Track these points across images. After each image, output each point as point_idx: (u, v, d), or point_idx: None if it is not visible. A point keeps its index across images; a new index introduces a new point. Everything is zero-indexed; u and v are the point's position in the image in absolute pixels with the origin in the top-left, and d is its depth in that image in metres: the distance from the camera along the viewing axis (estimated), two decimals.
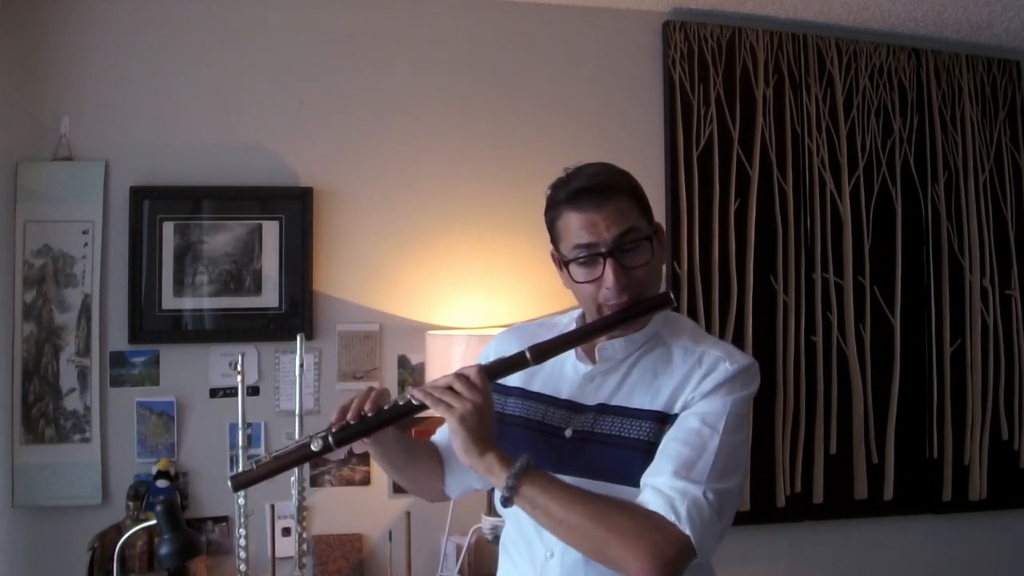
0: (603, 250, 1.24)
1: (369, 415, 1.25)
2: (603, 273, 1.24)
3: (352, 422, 1.25)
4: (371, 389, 1.28)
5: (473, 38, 2.66)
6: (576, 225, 1.26)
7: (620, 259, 1.24)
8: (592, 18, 2.73)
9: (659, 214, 2.66)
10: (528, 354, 1.25)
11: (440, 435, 1.50)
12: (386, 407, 1.26)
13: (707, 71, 2.74)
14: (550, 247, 1.36)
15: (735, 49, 2.77)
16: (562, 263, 1.31)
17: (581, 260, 1.26)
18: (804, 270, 2.78)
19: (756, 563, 2.73)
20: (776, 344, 2.74)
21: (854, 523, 2.80)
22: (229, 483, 1.29)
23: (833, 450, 2.76)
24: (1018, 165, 3.01)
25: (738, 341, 2.69)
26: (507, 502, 1.17)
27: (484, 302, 2.58)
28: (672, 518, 1.12)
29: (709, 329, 2.67)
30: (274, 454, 1.27)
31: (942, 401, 2.86)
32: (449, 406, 1.18)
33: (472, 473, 1.41)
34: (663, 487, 1.15)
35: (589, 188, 1.26)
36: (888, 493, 2.80)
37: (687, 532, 1.12)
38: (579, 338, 1.29)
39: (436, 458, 1.48)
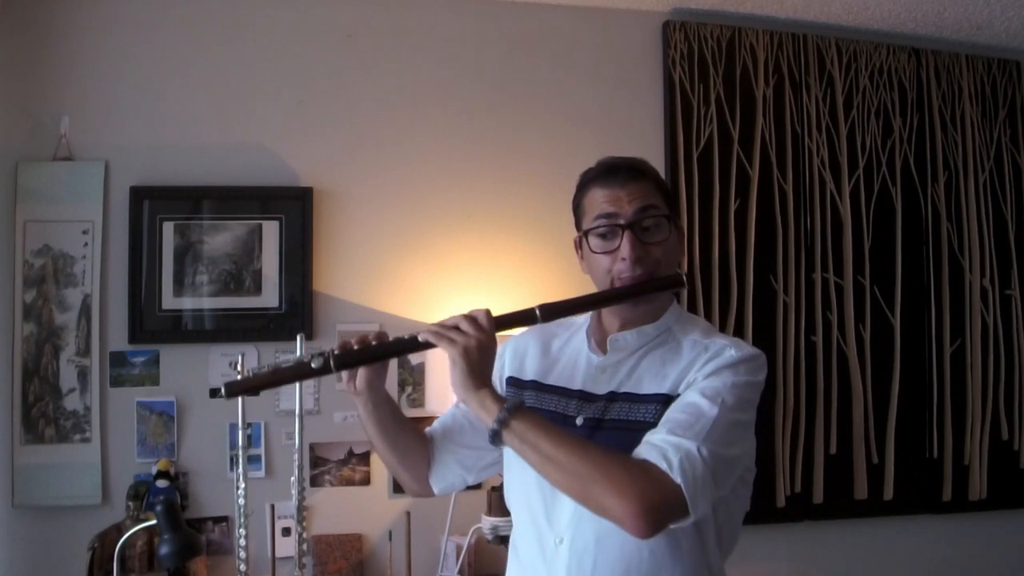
0: (622, 222, 1.27)
1: (373, 344, 1.27)
2: (620, 245, 1.27)
3: (355, 347, 1.27)
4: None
5: (473, 38, 2.66)
6: (600, 199, 1.30)
7: (638, 233, 1.28)
8: (592, 18, 2.73)
9: None
10: (537, 311, 1.27)
11: (436, 424, 1.50)
12: (391, 339, 1.28)
13: (707, 71, 2.74)
14: (575, 235, 1.38)
15: (735, 49, 2.77)
16: (583, 237, 1.34)
17: (600, 230, 1.29)
18: (804, 270, 2.78)
19: (756, 563, 2.73)
20: (776, 344, 2.74)
21: (854, 523, 2.80)
22: (222, 389, 1.26)
23: (833, 450, 2.76)
24: (1018, 165, 3.01)
25: None
26: (496, 436, 1.16)
27: (484, 302, 2.56)
28: (664, 466, 1.11)
29: None
30: (273, 366, 1.27)
31: (942, 401, 2.86)
32: (452, 340, 1.20)
33: (458, 469, 1.45)
34: (656, 441, 1.15)
35: (619, 166, 1.31)
36: (888, 493, 2.80)
37: (678, 481, 1.10)
38: (590, 303, 1.32)
39: (425, 442, 1.47)
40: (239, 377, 1.29)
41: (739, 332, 2.70)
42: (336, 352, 1.25)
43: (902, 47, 2.92)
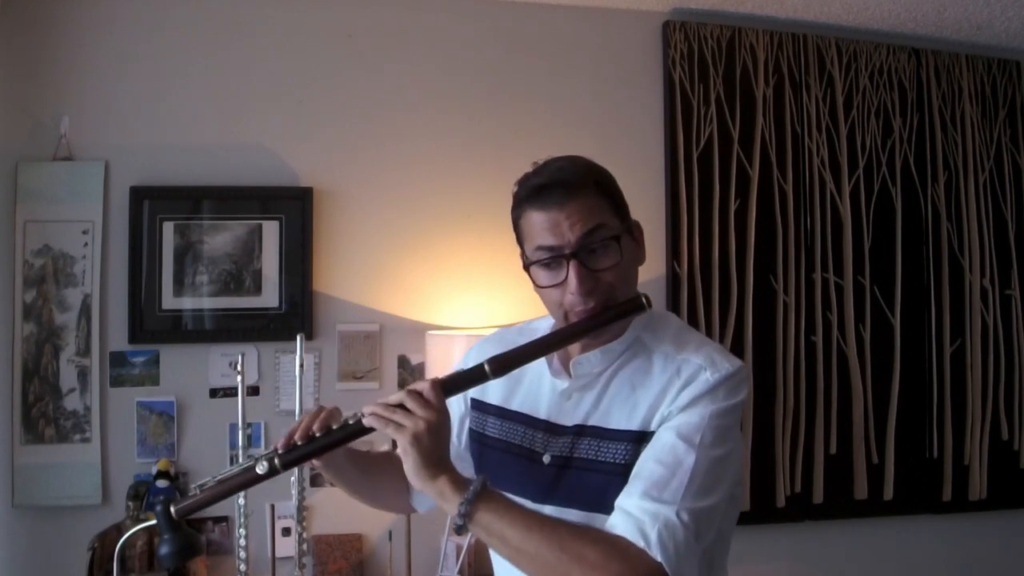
0: (566, 252, 1.14)
1: (317, 435, 1.17)
2: (567, 277, 1.14)
3: (300, 443, 1.17)
4: (321, 409, 1.20)
5: (473, 38, 2.66)
6: (538, 225, 1.16)
7: (585, 261, 1.14)
8: (592, 18, 2.73)
9: (659, 214, 2.69)
10: (487, 367, 1.14)
11: None
12: (335, 427, 1.17)
13: (707, 71, 2.74)
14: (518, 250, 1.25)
15: (735, 49, 2.77)
16: (526, 266, 1.21)
17: (544, 262, 1.16)
18: (804, 270, 2.78)
19: (756, 563, 2.73)
20: (776, 344, 2.74)
21: (854, 523, 2.80)
22: (172, 511, 1.21)
23: (833, 450, 2.76)
24: (1018, 165, 3.01)
25: (738, 341, 2.69)
26: (461, 529, 1.07)
27: (484, 302, 2.58)
28: (641, 543, 1.02)
29: (709, 330, 2.67)
30: (218, 478, 1.21)
31: (942, 401, 2.86)
32: (400, 426, 1.09)
33: None
34: (632, 509, 1.05)
35: (551, 184, 1.16)
36: (888, 493, 2.80)
37: (658, 559, 1.01)
38: (543, 348, 1.19)
39: (400, 473, 1.37)
40: (187, 498, 1.24)
41: (739, 332, 2.70)
42: (280, 452, 1.16)
43: (902, 47, 2.92)
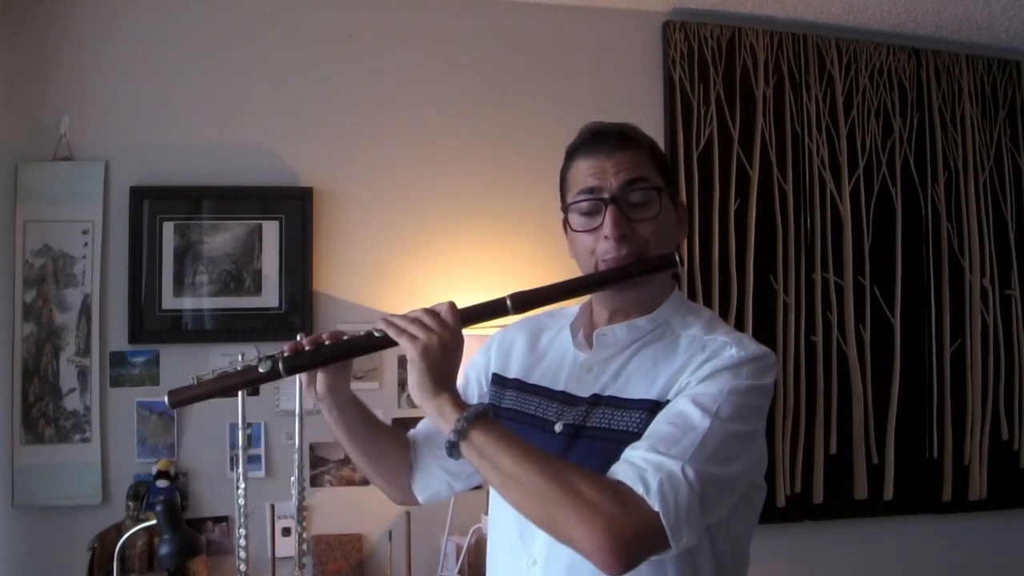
0: (606, 195, 1.14)
1: (327, 344, 1.16)
2: (603, 221, 1.14)
3: (308, 348, 1.16)
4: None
5: (473, 38, 2.66)
6: (584, 171, 1.17)
7: (623, 208, 1.14)
8: (592, 18, 2.73)
9: None
10: (509, 301, 1.15)
11: (420, 426, 1.39)
12: (346, 338, 1.17)
13: (707, 71, 2.74)
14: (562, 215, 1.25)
15: (735, 49, 2.77)
16: (564, 215, 1.21)
17: (582, 205, 1.16)
18: (804, 270, 2.78)
19: (756, 563, 2.70)
20: (776, 344, 2.73)
21: (854, 523, 2.80)
22: (165, 399, 1.18)
23: (833, 450, 2.76)
24: (1018, 165, 3.01)
25: None
26: (453, 448, 1.03)
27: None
28: (640, 490, 0.96)
29: None
30: (218, 373, 1.17)
31: (942, 401, 2.86)
32: (413, 337, 1.08)
33: (443, 475, 1.34)
34: (635, 459, 1.00)
35: (606, 132, 1.18)
36: (888, 493, 2.80)
37: (656, 508, 0.95)
38: (568, 291, 1.18)
39: (404, 447, 1.36)
40: (182, 387, 1.19)
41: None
42: (286, 355, 1.15)
43: (902, 47, 2.92)
